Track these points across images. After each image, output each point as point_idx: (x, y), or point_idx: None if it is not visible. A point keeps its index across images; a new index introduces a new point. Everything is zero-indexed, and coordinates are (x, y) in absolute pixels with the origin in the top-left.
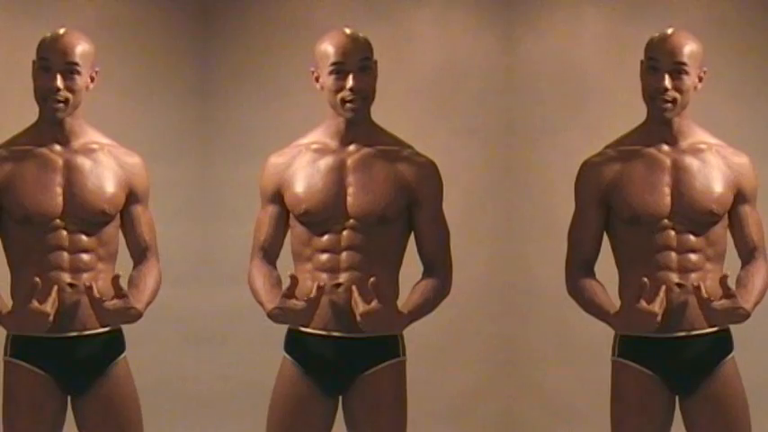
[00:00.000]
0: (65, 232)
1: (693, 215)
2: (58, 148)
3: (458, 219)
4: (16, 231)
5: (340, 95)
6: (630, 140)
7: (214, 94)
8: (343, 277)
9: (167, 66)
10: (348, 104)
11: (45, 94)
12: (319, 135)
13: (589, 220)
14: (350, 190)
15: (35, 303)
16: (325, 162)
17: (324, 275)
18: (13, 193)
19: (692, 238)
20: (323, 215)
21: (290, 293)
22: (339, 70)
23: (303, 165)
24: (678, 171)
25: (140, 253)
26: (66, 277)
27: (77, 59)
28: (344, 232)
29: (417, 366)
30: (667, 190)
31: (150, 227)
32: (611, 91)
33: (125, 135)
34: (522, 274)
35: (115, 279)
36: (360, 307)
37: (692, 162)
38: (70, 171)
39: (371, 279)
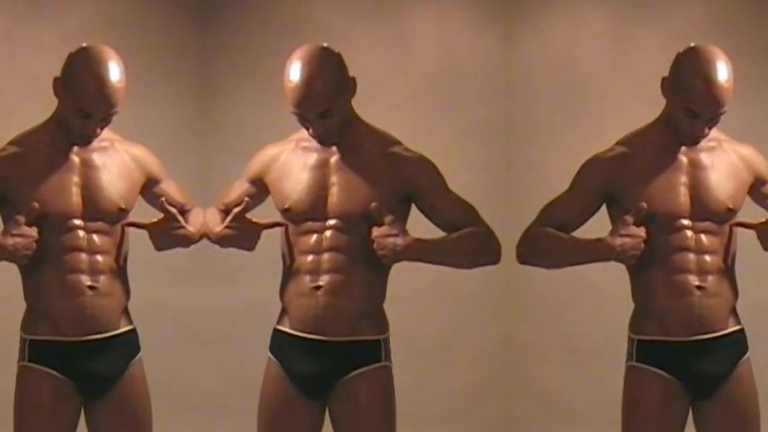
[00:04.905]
0: (82, 232)
1: (711, 214)
2: (74, 147)
3: None
4: None
5: (307, 131)
6: (644, 138)
7: (214, 93)
8: (323, 280)
9: (167, 65)
10: (315, 138)
11: (80, 133)
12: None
13: (577, 204)
14: (332, 190)
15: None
16: (310, 160)
17: (306, 278)
18: (29, 194)
19: (708, 237)
20: (304, 214)
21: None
22: (299, 116)
23: (290, 161)
24: (695, 170)
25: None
26: (86, 280)
27: (119, 108)
28: (327, 233)
29: (418, 366)
30: (684, 189)
31: (182, 192)
32: (611, 91)
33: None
34: (523, 273)
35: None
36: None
37: (707, 160)
38: (87, 170)
39: (373, 204)
